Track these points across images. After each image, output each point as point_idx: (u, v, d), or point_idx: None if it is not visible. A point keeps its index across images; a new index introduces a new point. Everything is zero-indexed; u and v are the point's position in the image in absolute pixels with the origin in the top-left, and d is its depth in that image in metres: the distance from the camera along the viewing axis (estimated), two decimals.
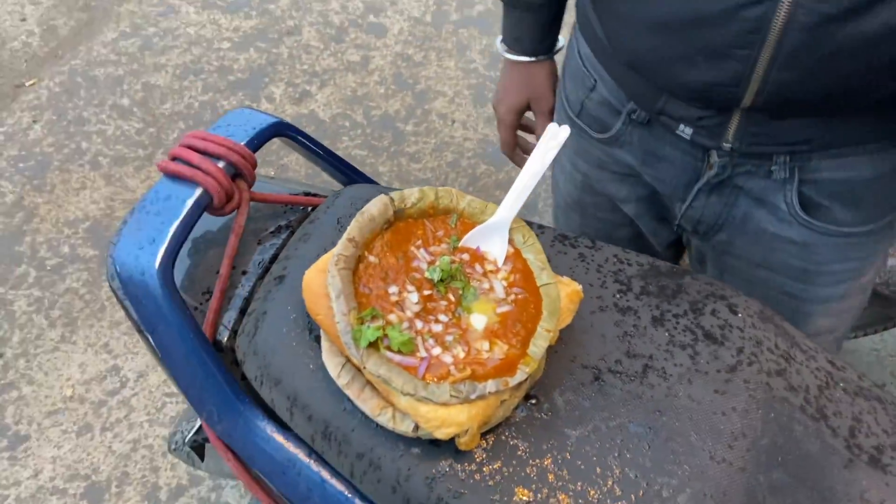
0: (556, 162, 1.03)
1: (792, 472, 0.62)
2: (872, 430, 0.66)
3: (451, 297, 0.60)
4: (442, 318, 0.59)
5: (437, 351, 0.57)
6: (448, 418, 0.55)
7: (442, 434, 0.55)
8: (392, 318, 0.58)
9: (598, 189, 0.98)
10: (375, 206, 0.62)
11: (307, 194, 0.78)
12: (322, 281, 0.59)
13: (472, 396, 0.55)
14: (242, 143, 0.67)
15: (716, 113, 0.74)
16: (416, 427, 0.57)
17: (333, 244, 0.67)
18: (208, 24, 2.41)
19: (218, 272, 0.68)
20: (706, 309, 0.71)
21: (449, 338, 0.58)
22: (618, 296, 0.71)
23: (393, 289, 0.59)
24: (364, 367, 0.55)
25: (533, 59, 0.97)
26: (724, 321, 0.71)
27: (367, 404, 0.57)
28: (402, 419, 0.57)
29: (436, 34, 2.39)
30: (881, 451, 0.65)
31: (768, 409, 0.65)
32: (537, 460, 0.59)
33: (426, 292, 0.60)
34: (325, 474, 0.63)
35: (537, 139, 0.92)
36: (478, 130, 2.15)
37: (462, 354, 0.57)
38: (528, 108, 1.03)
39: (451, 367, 0.56)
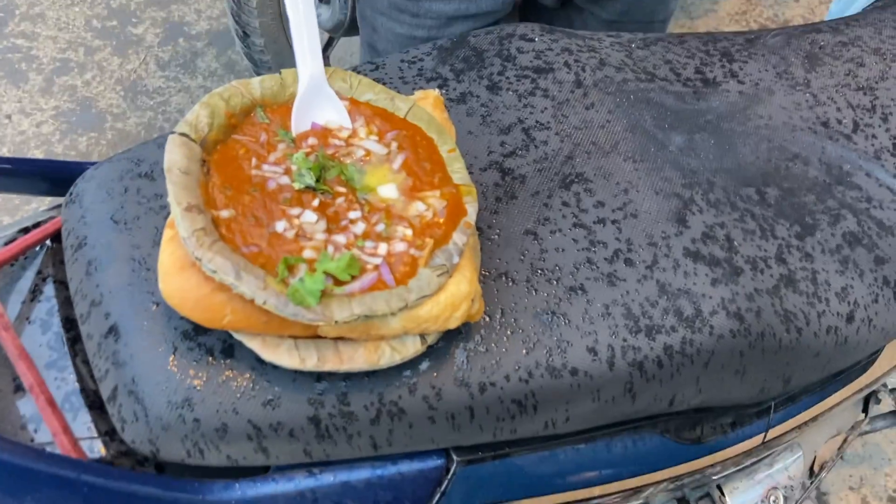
0: None
1: (669, 125, 0.64)
2: (682, 61, 0.70)
3: (342, 189, 0.47)
4: (353, 215, 0.46)
5: (383, 248, 0.45)
6: (453, 300, 0.44)
7: (457, 321, 0.45)
8: (308, 254, 0.43)
9: None
10: (177, 155, 0.43)
11: (25, 230, 0.53)
12: (197, 279, 0.41)
13: (455, 260, 0.45)
14: None
15: None
16: (423, 338, 0.46)
17: (138, 259, 0.47)
18: None
19: None
20: (512, 51, 0.67)
21: (379, 227, 0.46)
22: (445, 90, 0.63)
23: (280, 225, 0.44)
24: (335, 322, 0.41)
25: None
26: (535, 51, 0.67)
27: (357, 359, 0.44)
28: (401, 345, 0.45)
29: None
30: (706, 66, 0.70)
31: (621, 97, 0.65)
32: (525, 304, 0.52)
33: (314, 203, 0.46)
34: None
35: None
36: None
37: (409, 232, 0.46)
38: None
39: (412, 250, 0.45)
